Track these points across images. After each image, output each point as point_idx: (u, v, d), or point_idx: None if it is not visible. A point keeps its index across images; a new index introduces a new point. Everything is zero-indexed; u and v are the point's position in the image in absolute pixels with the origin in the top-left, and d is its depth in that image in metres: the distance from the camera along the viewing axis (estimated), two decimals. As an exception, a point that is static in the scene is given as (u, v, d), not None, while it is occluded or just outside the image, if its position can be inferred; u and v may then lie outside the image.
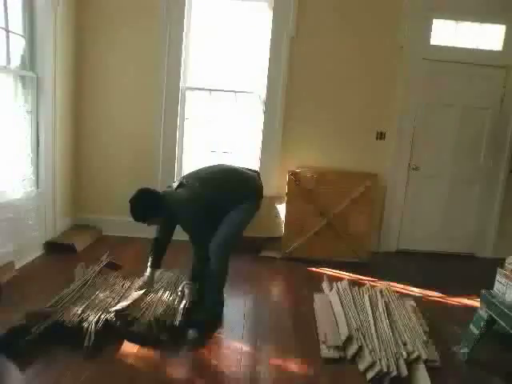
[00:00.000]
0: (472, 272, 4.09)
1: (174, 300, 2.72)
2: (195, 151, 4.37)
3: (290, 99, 4.17)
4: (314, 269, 3.80)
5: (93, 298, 2.67)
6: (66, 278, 2.97)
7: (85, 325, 2.32)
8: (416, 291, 3.45)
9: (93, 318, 2.38)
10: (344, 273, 3.74)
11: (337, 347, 2.45)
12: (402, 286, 3.53)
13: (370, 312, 2.81)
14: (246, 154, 4.39)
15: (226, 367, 2.26)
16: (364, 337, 2.51)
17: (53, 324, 2.32)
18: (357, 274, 3.74)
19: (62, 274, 3.13)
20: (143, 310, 2.55)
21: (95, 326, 2.31)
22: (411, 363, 2.31)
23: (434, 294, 3.42)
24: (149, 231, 4.23)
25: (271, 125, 4.20)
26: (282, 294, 3.38)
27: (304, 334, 2.67)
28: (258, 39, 4.20)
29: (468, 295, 3.35)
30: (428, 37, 4.19)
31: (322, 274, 3.62)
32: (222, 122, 4.34)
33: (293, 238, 4.07)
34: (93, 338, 2.25)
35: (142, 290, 2.73)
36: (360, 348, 2.42)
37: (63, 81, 3.81)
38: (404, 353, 2.36)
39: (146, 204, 2.57)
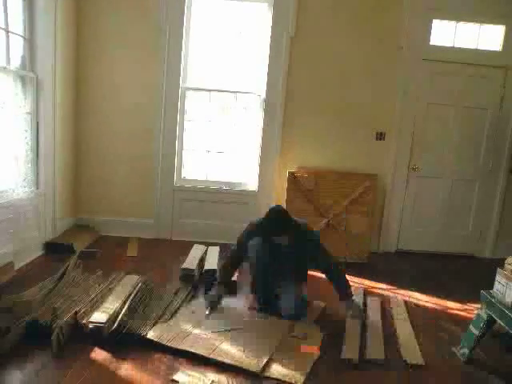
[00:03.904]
0: (472, 272, 4.10)
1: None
2: (195, 151, 4.37)
3: (290, 99, 4.17)
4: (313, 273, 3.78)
5: (70, 295, 2.69)
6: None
7: (54, 325, 2.30)
8: (416, 291, 3.45)
9: (62, 319, 2.35)
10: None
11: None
12: (401, 286, 3.54)
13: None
14: (245, 155, 4.39)
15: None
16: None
17: (28, 323, 2.31)
18: (356, 274, 3.74)
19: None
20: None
21: (62, 328, 2.27)
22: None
23: (434, 295, 3.42)
24: (147, 232, 4.29)
25: (271, 125, 4.20)
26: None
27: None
28: (258, 39, 4.20)
29: (468, 295, 3.34)
30: (428, 37, 4.19)
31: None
32: (222, 122, 4.34)
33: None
34: (62, 338, 2.24)
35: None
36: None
37: (63, 81, 3.81)
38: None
39: (289, 217, 2.73)
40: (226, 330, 2.53)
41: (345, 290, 2.82)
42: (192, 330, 2.50)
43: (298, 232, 2.76)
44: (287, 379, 2.14)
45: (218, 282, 2.89)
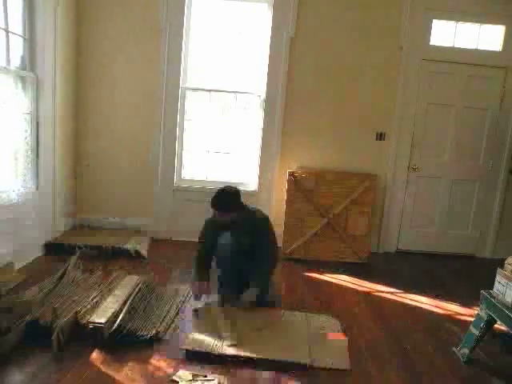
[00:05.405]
0: (472, 272, 4.10)
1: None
2: (195, 151, 4.37)
3: (290, 99, 4.17)
4: (313, 273, 3.79)
5: (70, 295, 2.70)
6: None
7: (54, 325, 2.29)
8: (416, 292, 3.45)
9: (62, 319, 2.34)
10: (343, 275, 3.75)
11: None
12: (401, 286, 3.54)
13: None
14: (245, 155, 4.39)
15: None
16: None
17: (28, 323, 2.31)
18: (356, 274, 3.74)
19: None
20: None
21: (62, 328, 2.26)
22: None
23: (434, 295, 3.41)
24: (147, 232, 4.28)
25: (271, 125, 4.19)
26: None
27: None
28: (258, 39, 4.20)
29: (468, 295, 3.34)
30: (428, 37, 4.20)
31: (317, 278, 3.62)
32: (222, 122, 4.34)
33: (293, 238, 4.07)
34: (62, 338, 2.23)
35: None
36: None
37: (63, 81, 3.81)
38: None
39: (234, 195, 2.79)
40: (257, 330, 2.55)
41: (260, 285, 2.81)
42: (220, 332, 2.47)
43: (247, 218, 2.82)
44: (335, 366, 2.25)
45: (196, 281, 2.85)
